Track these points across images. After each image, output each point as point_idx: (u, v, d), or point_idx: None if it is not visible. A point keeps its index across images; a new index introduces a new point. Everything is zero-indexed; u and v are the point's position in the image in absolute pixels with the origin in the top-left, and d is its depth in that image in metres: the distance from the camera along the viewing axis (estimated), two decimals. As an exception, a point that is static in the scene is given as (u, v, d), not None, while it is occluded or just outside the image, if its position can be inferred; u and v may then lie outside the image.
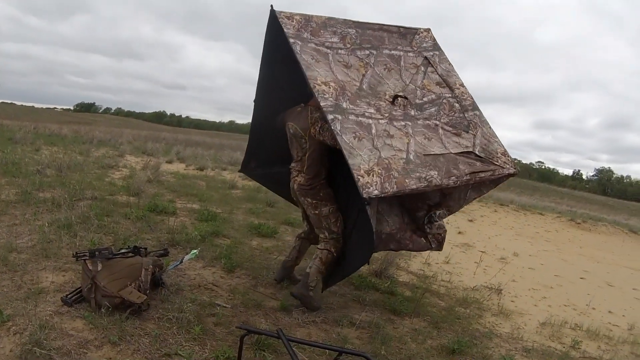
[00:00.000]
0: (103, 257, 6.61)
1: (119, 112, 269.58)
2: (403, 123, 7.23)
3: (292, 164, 8.16)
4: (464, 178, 7.06)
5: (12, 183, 12.63)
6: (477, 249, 17.73)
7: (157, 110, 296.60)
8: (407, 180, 6.57)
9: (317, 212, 7.95)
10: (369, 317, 7.79)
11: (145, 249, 7.43)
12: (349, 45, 7.69)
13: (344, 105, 6.89)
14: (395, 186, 6.45)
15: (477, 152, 7.36)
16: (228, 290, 7.92)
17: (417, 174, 6.67)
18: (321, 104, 6.70)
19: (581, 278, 16.41)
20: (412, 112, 7.43)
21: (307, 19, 7.57)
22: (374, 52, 7.84)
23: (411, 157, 6.82)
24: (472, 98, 8.01)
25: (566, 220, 31.55)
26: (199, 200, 15.43)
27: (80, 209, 10.77)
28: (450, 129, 7.51)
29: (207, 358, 5.82)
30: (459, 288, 11.39)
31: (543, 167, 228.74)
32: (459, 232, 20.66)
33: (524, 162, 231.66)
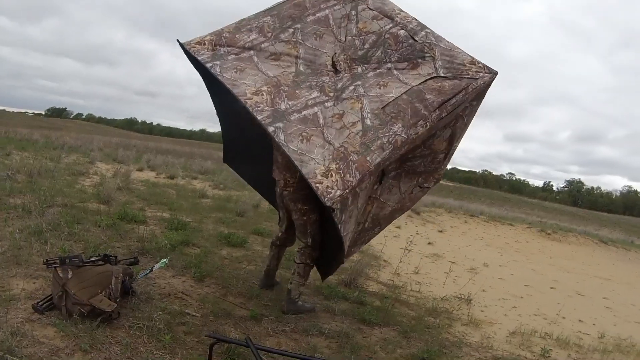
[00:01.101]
0: (73, 264, 6.58)
1: (90, 118, 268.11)
2: (352, 87, 7.02)
3: (282, 173, 7.95)
4: (434, 115, 6.73)
5: (-18, 189, 12.55)
6: (446, 259, 17.86)
7: (128, 117, 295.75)
8: (368, 158, 6.26)
9: (305, 218, 7.94)
10: (338, 327, 7.83)
11: (116, 257, 7.39)
12: (269, 34, 7.47)
13: (283, 106, 6.61)
14: (357, 172, 6.14)
15: (441, 74, 7.05)
16: (198, 299, 7.91)
17: (379, 142, 6.38)
18: (258, 118, 6.37)
19: (551, 288, 16.59)
20: (359, 69, 7.28)
21: (219, 33, 7.44)
22: (298, 25, 7.63)
23: (368, 123, 6.55)
24: (416, 19, 7.68)
25: (536, 231, 31.81)
26: (169, 209, 15.42)
27: (51, 215, 10.70)
28: (405, 64, 7.25)
29: (177, 366, 5.81)
30: (429, 298, 11.45)
31: (514, 178, 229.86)
32: (429, 243, 20.83)
33: (494, 173, 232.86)
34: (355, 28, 7.57)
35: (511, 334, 10.07)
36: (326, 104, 6.78)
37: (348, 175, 6.08)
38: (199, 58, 7.05)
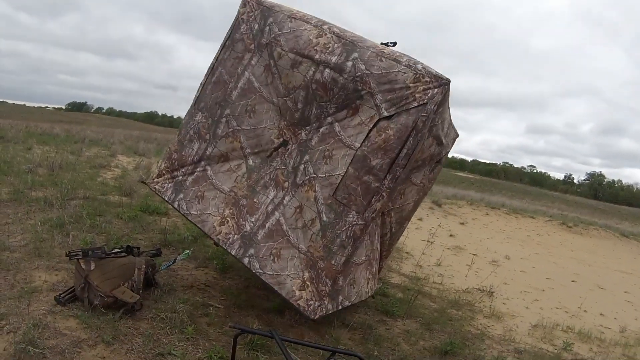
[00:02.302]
0: (96, 256, 6.59)
1: (111, 112, 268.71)
2: (302, 166, 6.77)
3: None
4: (387, 182, 6.31)
5: (4, 182, 12.57)
6: (468, 251, 17.78)
7: (148, 111, 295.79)
8: (333, 262, 6.37)
9: None
10: (361, 319, 7.80)
11: (138, 248, 7.41)
12: (208, 137, 7.47)
13: (248, 226, 6.80)
14: (327, 280, 6.36)
15: (385, 113, 6.27)
16: (221, 290, 7.90)
17: (339, 240, 6.38)
18: (232, 254, 6.76)
19: (572, 281, 16.48)
20: (303, 134, 6.93)
21: (169, 156, 7.79)
22: (227, 111, 7.39)
23: (324, 219, 6.47)
24: (336, 37, 6.73)
25: (557, 223, 31.60)
26: (191, 200, 15.21)
27: (73, 208, 10.73)
28: (345, 112, 6.60)
29: (200, 358, 5.84)
30: (451, 290, 11.42)
31: (535, 171, 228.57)
32: (451, 235, 20.72)
33: (515, 165, 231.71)
34: (281, 85, 6.98)
35: (533, 327, 10.03)
36: (284, 201, 6.79)
37: (320, 284, 6.32)
38: (165, 198, 7.46)
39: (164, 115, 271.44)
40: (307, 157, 6.73)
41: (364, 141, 6.34)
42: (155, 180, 7.52)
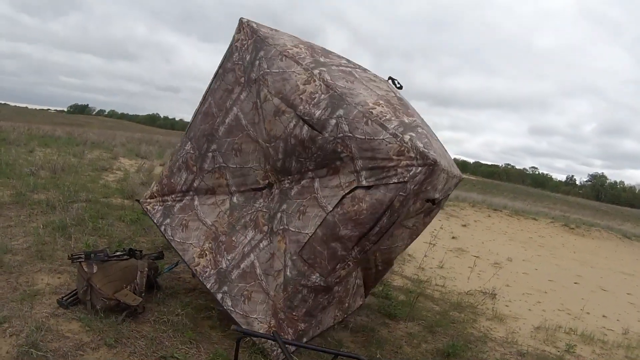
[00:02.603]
0: (98, 259, 6.61)
1: (113, 114, 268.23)
2: (279, 214, 6.60)
3: None
4: (354, 253, 6.20)
5: (6, 184, 12.59)
6: (470, 253, 17.79)
7: (150, 113, 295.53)
8: (294, 313, 6.40)
9: None
10: (363, 321, 7.81)
11: (141, 251, 7.41)
12: (195, 169, 7.38)
13: (224, 264, 6.81)
14: (289, 329, 6.40)
15: (364, 183, 5.91)
16: (223, 293, 7.89)
17: (300, 295, 6.38)
18: (207, 287, 6.77)
19: (575, 283, 16.48)
20: (286, 182, 6.70)
21: (160, 181, 7.72)
22: (214, 146, 7.19)
23: (288, 274, 6.35)
24: (326, 92, 6.19)
25: (560, 225, 31.61)
26: (194, 203, 15.23)
27: (75, 211, 10.74)
28: (325, 170, 6.28)
29: (202, 361, 5.81)
30: (453, 292, 11.42)
31: (537, 172, 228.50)
32: (453, 237, 20.72)
33: (517, 167, 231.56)
34: (264, 130, 6.60)
35: (536, 329, 10.04)
36: (261, 244, 6.70)
37: (282, 332, 6.29)
38: (154, 220, 7.49)
39: (165, 118, 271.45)
40: (285, 206, 6.57)
41: (336, 206, 6.05)
42: (148, 200, 7.57)
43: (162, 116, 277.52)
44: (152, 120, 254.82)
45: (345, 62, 6.92)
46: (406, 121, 5.97)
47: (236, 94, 6.96)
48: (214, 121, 7.11)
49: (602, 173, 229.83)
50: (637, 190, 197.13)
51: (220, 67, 7.19)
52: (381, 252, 7.10)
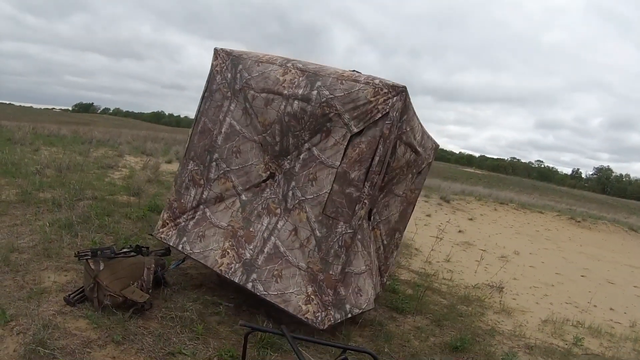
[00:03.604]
0: (105, 256, 6.61)
1: (118, 113, 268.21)
2: (291, 192, 7.19)
3: None
4: (366, 188, 6.75)
5: (12, 183, 12.61)
6: (477, 247, 17.79)
7: (155, 111, 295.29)
8: (331, 272, 6.80)
9: None
10: (371, 315, 7.79)
11: (147, 248, 7.42)
12: (202, 181, 7.76)
13: (248, 254, 7.15)
14: (328, 290, 6.79)
15: (354, 130, 6.75)
16: (231, 289, 7.87)
17: (332, 251, 6.84)
18: (236, 281, 7.05)
19: (582, 276, 16.47)
20: (286, 164, 7.30)
21: (169, 207, 7.99)
22: (216, 155, 7.70)
23: (318, 234, 6.93)
24: (303, 73, 7.11)
25: (566, 218, 31.60)
26: (199, 199, 15.22)
27: (81, 208, 10.77)
28: (319, 136, 7.05)
29: (210, 356, 5.83)
30: (461, 286, 11.41)
31: (542, 166, 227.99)
32: (459, 231, 20.73)
33: (523, 161, 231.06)
34: (259, 123, 7.36)
35: (543, 322, 10.02)
36: (278, 225, 7.19)
37: (323, 295, 6.78)
38: (170, 244, 7.70)
39: (170, 115, 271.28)
40: (293, 183, 7.16)
41: (342, 158, 6.80)
42: (160, 230, 7.76)
43: (167, 114, 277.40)
44: (158, 118, 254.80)
45: (311, 62, 7.55)
46: (373, 75, 6.85)
47: (226, 107, 7.66)
48: (211, 135, 7.68)
49: (608, 166, 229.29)
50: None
51: (205, 90, 7.86)
52: (383, 224, 8.02)
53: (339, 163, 6.79)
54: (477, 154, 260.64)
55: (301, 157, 7.13)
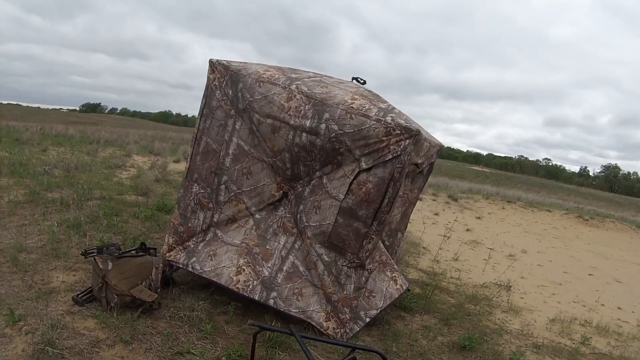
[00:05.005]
0: (111, 253, 6.65)
1: (125, 112, 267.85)
2: (299, 216, 7.22)
3: None
4: (374, 227, 6.85)
5: (20, 184, 12.65)
6: (485, 246, 17.78)
7: (162, 110, 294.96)
8: (345, 292, 7.02)
9: None
10: (379, 315, 7.77)
11: (155, 249, 7.44)
12: (211, 205, 7.59)
13: (266, 272, 7.15)
14: (345, 309, 7.01)
15: (364, 166, 6.65)
16: (238, 288, 7.89)
17: (343, 272, 7.04)
18: (256, 299, 7.06)
19: (589, 274, 16.44)
20: (298, 187, 7.31)
21: (175, 230, 7.69)
22: (225, 177, 7.48)
23: (326, 259, 7.04)
24: (309, 100, 6.82)
25: (574, 217, 31.56)
26: (207, 199, 15.22)
27: (89, 208, 10.79)
28: (330, 167, 6.98)
29: (219, 356, 5.84)
30: (469, 285, 11.41)
31: (550, 164, 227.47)
32: (467, 230, 20.71)
33: (530, 159, 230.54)
34: (267, 147, 7.16)
35: (551, 321, 10.02)
36: (295, 245, 7.27)
37: (340, 314, 6.99)
38: (179, 265, 7.49)
39: (178, 114, 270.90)
40: (301, 207, 7.19)
41: (347, 193, 6.77)
42: (168, 254, 7.57)
43: (174, 113, 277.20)
44: (165, 118, 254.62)
45: (312, 74, 7.57)
46: (383, 106, 6.77)
47: (231, 126, 7.33)
48: (217, 156, 7.40)
49: (616, 164, 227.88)
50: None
51: (204, 107, 7.44)
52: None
53: (342, 196, 6.79)
54: (484, 152, 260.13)
55: (312, 182, 7.13)
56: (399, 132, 6.43)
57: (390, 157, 6.49)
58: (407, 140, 6.44)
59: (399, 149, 6.45)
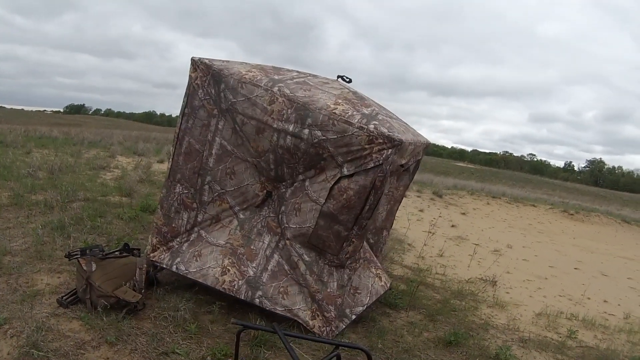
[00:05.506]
0: (94, 254, 6.65)
1: (109, 113, 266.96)
2: (280, 216, 7.23)
3: None
4: (354, 231, 6.90)
5: (4, 186, 12.61)
6: (470, 241, 17.80)
7: (147, 111, 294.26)
8: (329, 290, 7.08)
9: None
10: (365, 311, 7.79)
11: (139, 249, 7.48)
12: (194, 205, 7.57)
13: (251, 272, 7.15)
14: (329, 306, 7.05)
15: (345, 172, 6.62)
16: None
17: (326, 270, 7.12)
18: (242, 298, 7.06)
19: (575, 268, 16.49)
20: (282, 187, 7.28)
21: (159, 231, 7.65)
22: (208, 177, 7.43)
23: (306, 259, 7.11)
24: (290, 106, 6.73)
25: (559, 211, 31.61)
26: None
27: (73, 210, 10.78)
28: (313, 171, 6.95)
29: (204, 356, 5.85)
30: (454, 281, 11.44)
31: (535, 159, 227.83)
32: (452, 225, 20.75)
33: (515, 154, 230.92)
34: (251, 148, 7.12)
35: (537, 315, 10.06)
36: (279, 244, 7.26)
37: (325, 312, 7.03)
38: (164, 266, 7.47)
39: (162, 115, 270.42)
40: (283, 207, 7.21)
41: (328, 198, 6.77)
42: (152, 254, 7.55)
43: (158, 113, 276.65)
44: (149, 118, 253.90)
45: (296, 73, 7.54)
46: (366, 112, 6.74)
47: (214, 126, 7.27)
48: (200, 156, 7.36)
49: (600, 158, 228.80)
50: (636, 175, 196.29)
51: (185, 107, 7.37)
52: (369, 222, 7.63)
53: (323, 201, 6.79)
54: (469, 149, 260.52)
55: (294, 184, 7.12)
56: (381, 140, 6.40)
57: (373, 165, 6.48)
58: (390, 150, 6.43)
59: (381, 158, 6.44)
